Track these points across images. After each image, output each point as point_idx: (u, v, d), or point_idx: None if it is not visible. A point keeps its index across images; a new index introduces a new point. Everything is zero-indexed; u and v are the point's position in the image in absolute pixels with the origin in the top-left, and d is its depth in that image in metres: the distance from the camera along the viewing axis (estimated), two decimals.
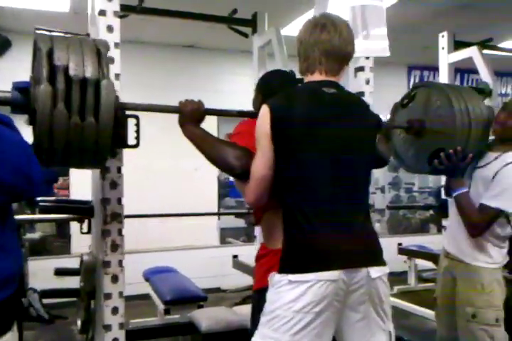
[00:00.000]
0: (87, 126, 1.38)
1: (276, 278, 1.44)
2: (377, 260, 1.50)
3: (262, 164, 1.49)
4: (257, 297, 1.66)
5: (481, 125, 2.01)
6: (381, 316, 1.48)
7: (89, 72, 1.38)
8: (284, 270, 1.44)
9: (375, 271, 1.45)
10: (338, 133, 1.49)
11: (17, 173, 1.17)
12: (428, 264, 4.35)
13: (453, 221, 2.21)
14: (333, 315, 1.41)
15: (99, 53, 1.44)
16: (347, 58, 1.58)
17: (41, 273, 4.07)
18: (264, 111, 1.48)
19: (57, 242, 5.67)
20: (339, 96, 1.55)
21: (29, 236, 4.88)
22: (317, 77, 1.55)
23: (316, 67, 1.54)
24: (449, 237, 2.25)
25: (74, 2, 4.23)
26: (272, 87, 1.75)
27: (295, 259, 1.44)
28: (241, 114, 1.82)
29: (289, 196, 1.47)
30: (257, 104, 1.84)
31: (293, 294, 1.38)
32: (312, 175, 1.45)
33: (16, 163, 1.17)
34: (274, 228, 1.64)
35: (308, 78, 1.58)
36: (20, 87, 1.44)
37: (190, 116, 1.64)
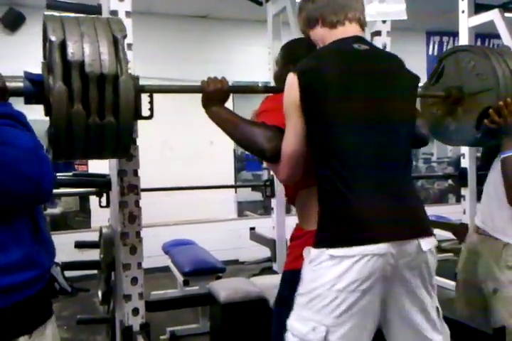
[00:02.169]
0: (107, 125, 1.30)
1: (313, 254, 1.29)
2: (427, 230, 1.35)
3: (292, 139, 1.37)
4: (288, 277, 1.58)
5: None
6: (429, 291, 1.34)
7: (107, 67, 1.28)
8: (322, 244, 1.28)
9: (425, 243, 1.31)
10: (376, 95, 1.35)
11: (22, 179, 1.06)
12: (447, 234, 4.32)
13: (488, 192, 2.12)
14: (380, 293, 1.27)
15: (116, 42, 1.33)
16: (364, 6, 1.48)
17: (62, 248, 4.09)
18: (291, 79, 1.35)
19: (78, 217, 5.76)
20: (373, 53, 1.42)
21: (50, 211, 4.95)
22: (342, 31, 1.42)
23: (338, 19, 1.42)
24: (481, 211, 2.17)
25: None
26: (300, 55, 1.55)
27: (336, 231, 1.29)
28: (268, 89, 1.69)
29: (327, 166, 1.32)
30: (284, 75, 1.66)
31: (335, 271, 1.23)
32: (352, 142, 1.31)
33: (23, 168, 1.06)
34: (309, 208, 1.52)
35: (333, 35, 1.43)
36: (33, 79, 1.36)
37: (214, 96, 1.52)
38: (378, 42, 2.19)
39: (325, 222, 1.33)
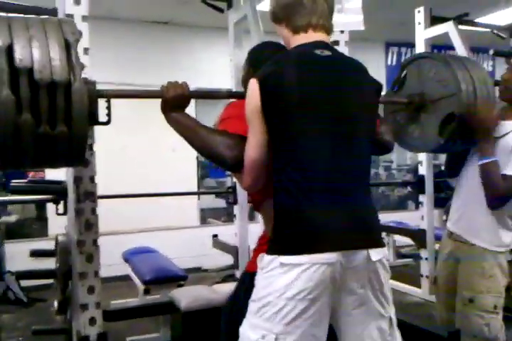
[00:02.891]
0: (59, 134, 1.24)
1: (266, 260, 1.29)
2: (378, 241, 1.36)
3: (254, 145, 1.35)
4: (247, 278, 1.56)
5: (483, 81, 1.92)
6: (381, 301, 1.34)
7: (58, 73, 1.21)
8: (274, 251, 1.28)
9: (375, 253, 1.31)
10: (335, 101, 1.35)
11: None
12: (406, 240, 4.42)
13: (464, 198, 2.13)
14: (329, 302, 1.28)
15: (68, 46, 1.26)
16: (332, 12, 1.46)
17: (18, 256, 4.04)
18: (252, 85, 1.33)
19: (35, 225, 5.60)
20: (335, 59, 1.41)
21: (4, 219, 4.80)
22: (305, 37, 1.41)
23: (301, 24, 1.41)
24: (456, 216, 2.16)
25: None
26: (264, 59, 1.55)
27: (287, 238, 1.29)
28: (232, 94, 1.66)
29: (283, 171, 1.31)
30: (248, 79, 1.70)
31: (285, 279, 1.23)
32: (308, 146, 1.31)
33: None
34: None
35: (296, 40, 1.43)
36: None
37: (174, 102, 1.46)
38: None
39: (277, 229, 1.32)
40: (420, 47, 3.67)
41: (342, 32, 2.20)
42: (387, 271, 1.37)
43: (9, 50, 1.19)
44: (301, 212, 1.28)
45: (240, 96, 1.61)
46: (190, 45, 5.75)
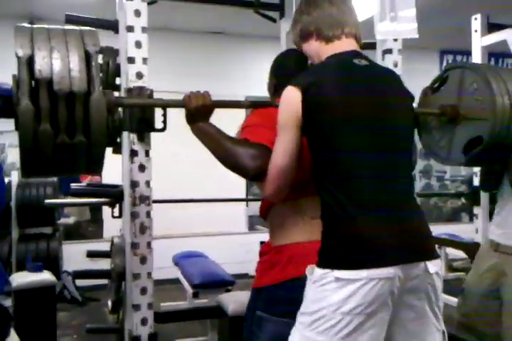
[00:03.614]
0: (77, 144, 1.26)
1: (318, 274, 1.25)
2: (434, 252, 1.33)
3: (284, 152, 1.33)
4: (253, 296, 1.54)
5: None
6: (436, 314, 1.31)
7: (76, 85, 1.23)
8: (327, 264, 1.24)
9: (432, 265, 1.28)
10: (378, 111, 1.33)
11: None
12: (459, 253, 4.28)
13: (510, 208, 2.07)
14: (386, 316, 1.24)
15: (88, 57, 1.28)
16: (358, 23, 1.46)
17: (75, 257, 4.22)
18: (292, 92, 1.31)
19: (91, 227, 5.81)
20: (373, 69, 1.40)
21: (63, 220, 5.01)
22: (339, 46, 1.40)
23: (335, 34, 1.41)
24: (504, 227, 2.10)
25: None
26: (287, 69, 1.59)
27: (341, 252, 1.25)
28: (254, 104, 1.63)
29: (329, 182, 1.29)
30: (271, 89, 1.72)
31: (341, 294, 1.19)
32: (355, 160, 1.29)
33: None
34: (281, 223, 1.49)
35: (329, 49, 1.41)
36: (1, 95, 1.32)
37: (196, 112, 1.46)
38: (389, 60, 2.20)
39: (330, 241, 1.29)
40: (477, 55, 3.57)
41: (395, 40, 2.18)
42: (441, 283, 1.34)
43: (30, 61, 1.22)
44: (354, 225, 1.25)
45: (262, 106, 1.60)
46: (241, 54, 5.84)
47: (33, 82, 1.24)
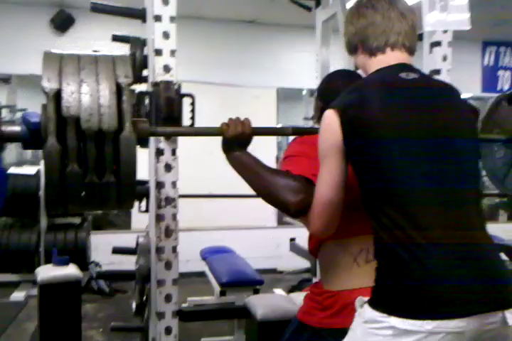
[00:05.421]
0: (106, 184, 1.21)
1: (370, 315, 1.09)
2: None
3: (328, 185, 1.20)
4: (297, 325, 1.46)
5: None
6: None
7: (106, 122, 1.16)
8: (382, 306, 1.07)
9: (511, 315, 1.06)
10: (432, 131, 1.17)
11: None
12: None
13: None
14: None
15: (119, 90, 1.20)
16: (414, 29, 1.29)
17: (103, 247, 4.22)
18: (330, 117, 1.18)
19: (119, 217, 5.82)
20: (423, 82, 1.24)
21: None
22: (384, 59, 1.26)
23: (378, 45, 1.26)
24: None
25: None
26: (335, 90, 1.35)
27: (401, 295, 1.07)
28: (297, 131, 1.50)
29: (382, 214, 1.13)
30: (317, 113, 1.53)
31: None
32: (412, 186, 1.12)
33: None
34: (335, 264, 1.37)
35: (374, 63, 1.27)
36: (30, 128, 1.26)
37: (234, 140, 1.36)
38: (438, 54, 2.04)
39: (386, 280, 1.12)
40: None
41: (445, 32, 2.01)
42: None
43: (57, 96, 1.16)
44: (420, 267, 1.07)
45: (306, 132, 1.48)
46: (273, 44, 5.71)
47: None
